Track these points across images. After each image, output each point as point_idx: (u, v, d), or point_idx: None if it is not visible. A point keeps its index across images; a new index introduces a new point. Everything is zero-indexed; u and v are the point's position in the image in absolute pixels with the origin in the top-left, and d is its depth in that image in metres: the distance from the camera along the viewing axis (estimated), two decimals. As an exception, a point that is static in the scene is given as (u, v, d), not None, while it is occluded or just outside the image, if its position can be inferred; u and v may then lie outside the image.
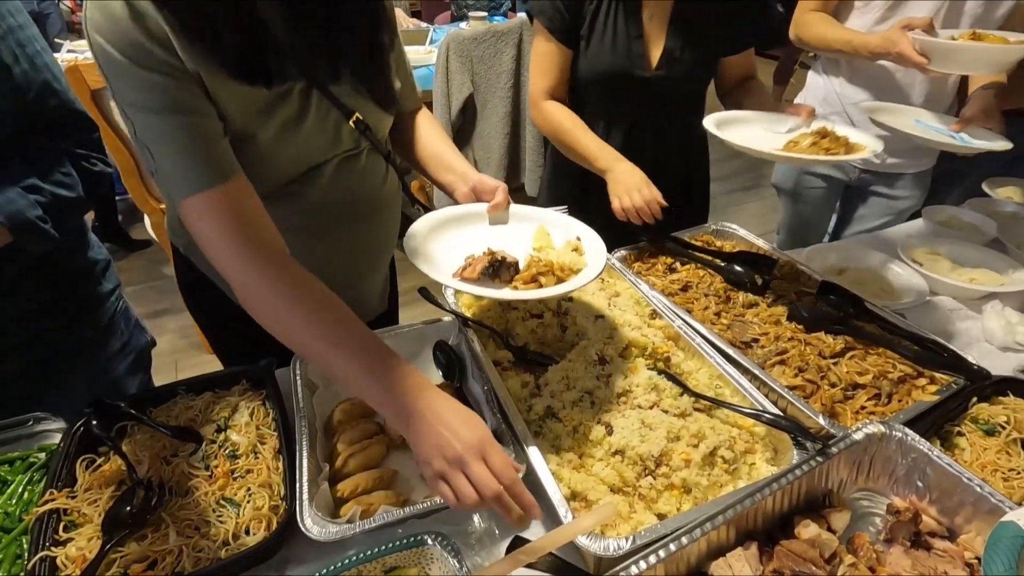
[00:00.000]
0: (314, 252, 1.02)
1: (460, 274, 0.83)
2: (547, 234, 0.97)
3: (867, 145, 1.14)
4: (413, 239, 0.88)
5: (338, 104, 0.90)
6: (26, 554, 0.72)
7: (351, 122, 0.92)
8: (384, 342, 0.72)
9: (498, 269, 0.84)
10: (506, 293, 0.82)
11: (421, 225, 0.92)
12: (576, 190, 1.50)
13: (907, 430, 0.77)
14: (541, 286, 0.83)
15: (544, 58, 1.38)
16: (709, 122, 1.22)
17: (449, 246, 0.91)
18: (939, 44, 1.23)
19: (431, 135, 1.10)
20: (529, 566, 0.64)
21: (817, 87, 1.75)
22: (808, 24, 1.55)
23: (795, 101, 1.74)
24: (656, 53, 1.33)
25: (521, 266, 0.87)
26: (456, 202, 1.01)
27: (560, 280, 0.84)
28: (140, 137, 0.74)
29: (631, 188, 1.23)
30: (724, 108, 1.45)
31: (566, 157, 1.44)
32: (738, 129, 1.22)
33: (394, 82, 0.97)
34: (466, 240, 0.93)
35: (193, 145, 0.74)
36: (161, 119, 0.73)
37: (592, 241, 0.94)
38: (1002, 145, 1.24)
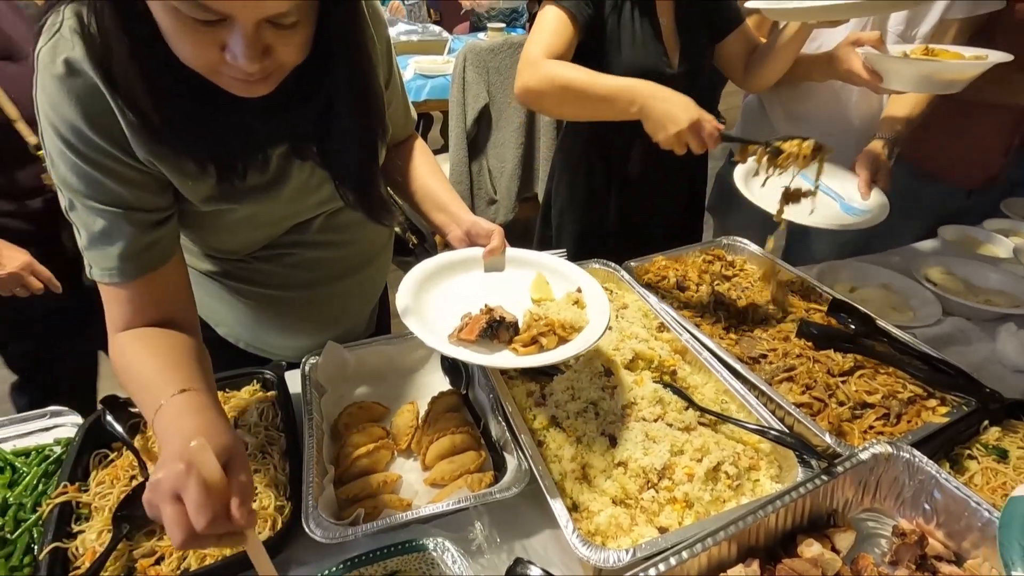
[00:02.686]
0: (302, 306, 1.01)
1: (457, 335, 0.79)
2: (546, 283, 0.93)
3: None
4: (405, 294, 0.83)
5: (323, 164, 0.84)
6: (37, 545, 0.73)
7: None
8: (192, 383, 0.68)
9: (496, 329, 0.79)
10: (505, 360, 0.79)
11: (413, 277, 0.88)
12: (584, 190, 1.49)
13: (915, 451, 0.76)
14: (542, 348, 0.79)
15: (556, 26, 1.21)
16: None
17: (444, 299, 0.88)
18: (889, 60, 1.17)
19: (425, 169, 1.06)
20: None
21: (752, 110, 1.71)
22: None
23: (733, 131, 1.73)
24: (675, 50, 1.34)
25: (520, 322, 0.83)
26: (448, 244, 0.98)
27: (563, 340, 0.81)
28: (66, 211, 0.74)
29: (679, 112, 1.02)
30: (749, 88, 1.48)
31: (572, 157, 1.42)
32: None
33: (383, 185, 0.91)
34: (461, 290, 0.90)
35: (115, 237, 0.72)
36: (89, 206, 0.72)
37: (594, 293, 0.89)
38: (879, 216, 1.21)
